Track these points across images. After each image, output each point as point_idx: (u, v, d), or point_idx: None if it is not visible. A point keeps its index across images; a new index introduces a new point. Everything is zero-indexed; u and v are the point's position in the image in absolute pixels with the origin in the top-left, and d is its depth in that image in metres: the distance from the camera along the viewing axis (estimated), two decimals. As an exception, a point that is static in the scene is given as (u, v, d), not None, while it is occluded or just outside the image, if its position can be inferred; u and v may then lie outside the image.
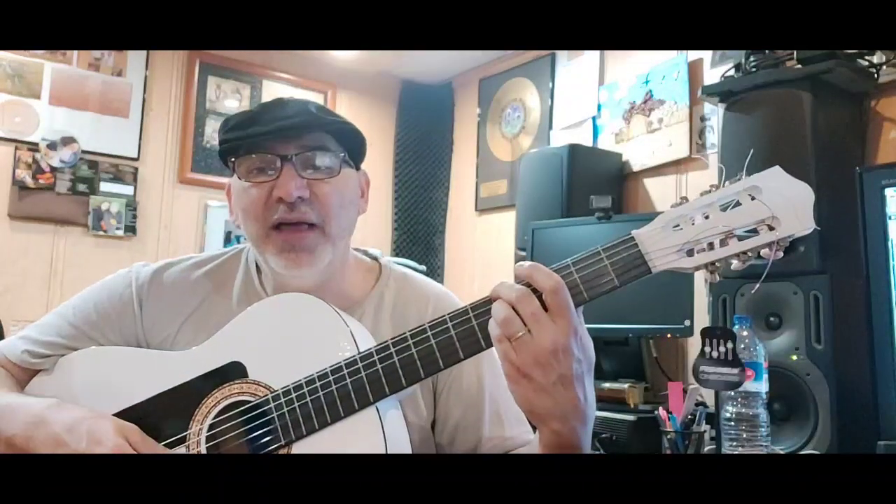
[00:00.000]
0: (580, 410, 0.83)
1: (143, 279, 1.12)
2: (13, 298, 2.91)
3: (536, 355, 0.80)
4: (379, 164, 3.72)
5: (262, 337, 0.99)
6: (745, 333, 1.43)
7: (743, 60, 2.01)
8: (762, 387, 1.41)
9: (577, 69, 3.11)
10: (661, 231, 0.83)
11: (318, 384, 0.91)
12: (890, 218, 1.43)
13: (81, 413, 0.96)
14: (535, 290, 0.82)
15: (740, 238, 0.81)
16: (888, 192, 1.43)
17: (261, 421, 0.93)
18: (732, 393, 1.41)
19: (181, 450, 0.96)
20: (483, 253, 3.53)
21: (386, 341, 0.91)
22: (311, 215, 1.01)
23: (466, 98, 3.76)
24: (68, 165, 3.03)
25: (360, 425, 0.89)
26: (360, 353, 0.91)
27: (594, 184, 2.61)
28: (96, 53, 3.14)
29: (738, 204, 0.81)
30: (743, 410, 1.41)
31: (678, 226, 0.83)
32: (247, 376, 0.96)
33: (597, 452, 1.95)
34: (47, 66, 3.03)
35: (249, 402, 0.95)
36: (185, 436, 0.97)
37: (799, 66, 1.87)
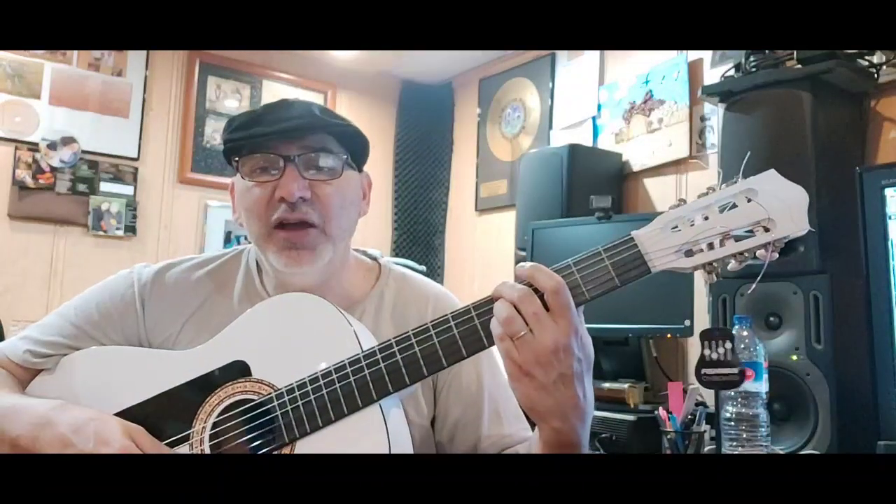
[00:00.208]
0: (580, 408, 0.85)
1: (146, 279, 1.13)
2: (13, 298, 2.91)
3: (538, 354, 0.81)
4: (379, 164, 3.72)
5: (265, 336, 0.99)
6: (744, 333, 1.43)
7: (743, 60, 2.01)
8: (762, 387, 1.42)
9: (577, 69, 3.11)
10: (660, 232, 0.85)
11: (321, 382, 0.92)
12: (890, 218, 1.43)
13: (88, 414, 0.96)
14: (536, 291, 0.83)
15: (737, 239, 0.82)
16: (888, 192, 1.43)
17: (264, 419, 0.93)
18: (732, 393, 1.41)
19: (184, 448, 0.96)
20: (483, 253, 3.53)
21: (389, 340, 0.91)
22: (312, 216, 1.02)
23: (466, 98, 3.76)
24: (68, 165, 3.03)
25: (363, 423, 0.90)
26: (363, 351, 0.92)
27: (594, 184, 2.61)
28: (96, 53, 3.14)
29: (734, 206, 0.83)
30: (743, 410, 1.41)
31: (677, 227, 0.84)
32: (250, 375, 0.97)
33: (597, 452, 1.96)
34: (47, 66, 3.03)
35: (253, 400, 0.95)
36: (189, 434, 0.97)
37: (799, 66, 1.87)
